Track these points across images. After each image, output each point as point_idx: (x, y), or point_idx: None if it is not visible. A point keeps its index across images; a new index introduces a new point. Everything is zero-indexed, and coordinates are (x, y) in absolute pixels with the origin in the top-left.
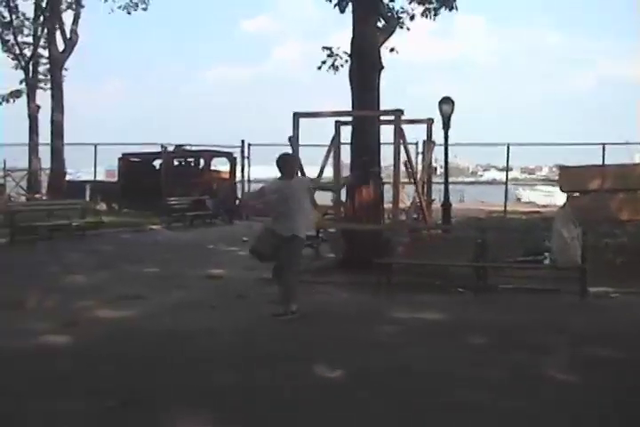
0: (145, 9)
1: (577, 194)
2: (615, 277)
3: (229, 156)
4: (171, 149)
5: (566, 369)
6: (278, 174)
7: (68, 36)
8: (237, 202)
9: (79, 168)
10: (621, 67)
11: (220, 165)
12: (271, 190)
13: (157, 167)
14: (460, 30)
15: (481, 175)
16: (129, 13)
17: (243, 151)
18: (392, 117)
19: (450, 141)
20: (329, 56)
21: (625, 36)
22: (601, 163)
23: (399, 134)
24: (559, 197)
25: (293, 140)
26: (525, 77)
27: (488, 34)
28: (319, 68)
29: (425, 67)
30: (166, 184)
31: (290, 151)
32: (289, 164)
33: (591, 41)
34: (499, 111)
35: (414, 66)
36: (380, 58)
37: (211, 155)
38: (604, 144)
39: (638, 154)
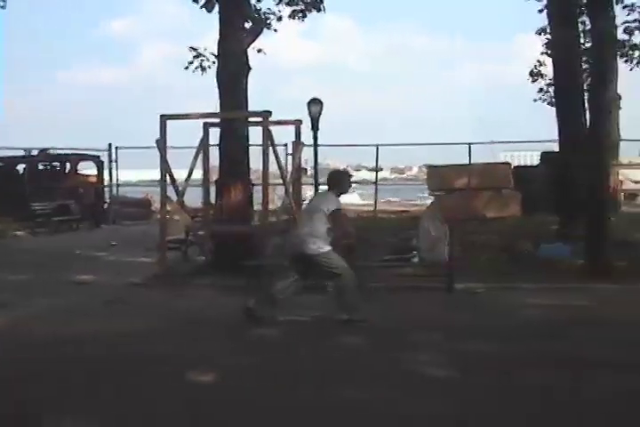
0: (3, 7)
1: (444, 193)
2: (481, 273)
3: (96, 159)
4: (35, 153)
5: (443, 364)
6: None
7: None
8: (105, 206)
9: None
10: (490, 68)
11: (88, 169)
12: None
13: (21, 172)
14: (332, 32)
15: (351, 175)
16: None
17: (110, 154)
18: (260, 119)
19: (320, 142)
20: (196, 57)
21: (494, 38)
22: (467, 162)
23: (267, 136)
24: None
25: (161, 143)
26: (395, 78)
27: (359, 36)
28: (186, 68)
29: (295, 68)
30: (30, 189)
31: (158, 153)
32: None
33: (458, 42)
34: (369, 112)
35: (284, 67)
36: (247, 59)
37: (77, 158)
38: (469, 144)
39: (503, 153)
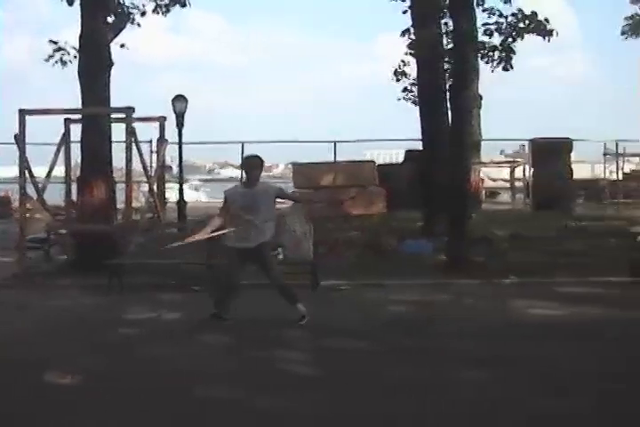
0: None
1: (309, 190)
2: (345, 270)
3: None
4: None
5: (308, 362)
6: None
7: None
8: None
9: None
10: (361, 67)
11: None
12: (232, 199)
13: None
14: (200, 29)
15: (218, 173)
16: None
17: None
18: (123, 115)
19: (185, 140)
20: (56, 50)
21: (360, 37)
22: (333, 160)
23: (130, 132)
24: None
25: (19, 139)
26: (264, 76)
27: (228, 33)
28: (47, 60)
29: (162, 64)
30: None
31: (17, 150)
32: (253, 168)
33: (332, 41)
34: (236, 109)
35: (151, 64)
36: (110, 54)
37: None
38: (335, 142)
39: (369, 151)
